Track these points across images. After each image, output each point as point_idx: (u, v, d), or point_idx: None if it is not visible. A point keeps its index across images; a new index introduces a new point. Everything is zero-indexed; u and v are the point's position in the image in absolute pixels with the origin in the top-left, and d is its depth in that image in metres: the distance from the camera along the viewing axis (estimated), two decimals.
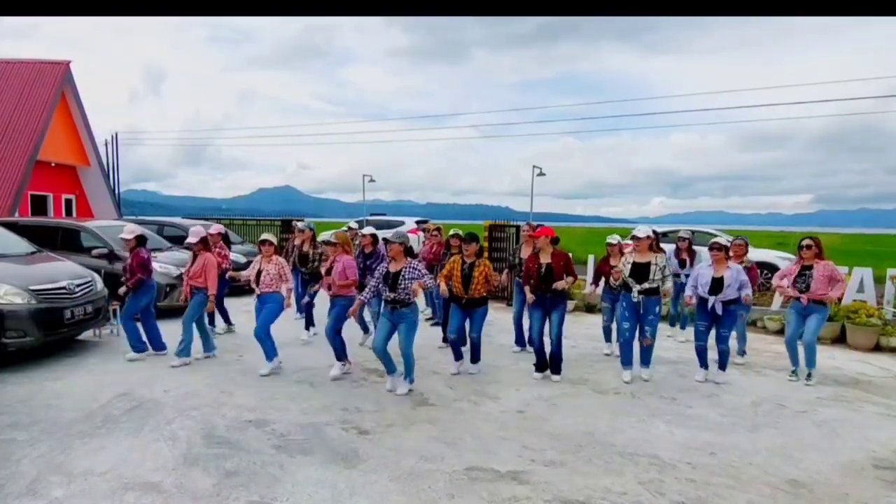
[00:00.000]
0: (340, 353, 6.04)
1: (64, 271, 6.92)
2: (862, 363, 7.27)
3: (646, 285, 5.94)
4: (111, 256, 8.68)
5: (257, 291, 6.23)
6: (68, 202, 19.36)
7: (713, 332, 6.13)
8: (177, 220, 14.25)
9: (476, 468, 4.00)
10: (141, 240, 6.70)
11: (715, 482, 3.88)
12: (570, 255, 6.05)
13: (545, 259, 6.02)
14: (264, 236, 6.36)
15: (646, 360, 6.22)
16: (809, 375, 6.21)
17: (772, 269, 12.62)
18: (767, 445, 4.52)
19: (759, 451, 4.41)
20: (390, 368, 5.64)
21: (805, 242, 6.19)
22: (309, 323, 7.86)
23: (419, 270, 5.42)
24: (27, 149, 16.08)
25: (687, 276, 7.56)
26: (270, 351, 6.13)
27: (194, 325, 6.55)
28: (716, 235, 13.79)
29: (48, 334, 6.28)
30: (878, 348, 8.00)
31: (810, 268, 6.10)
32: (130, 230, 6.74)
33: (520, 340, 7.38)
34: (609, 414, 5.15)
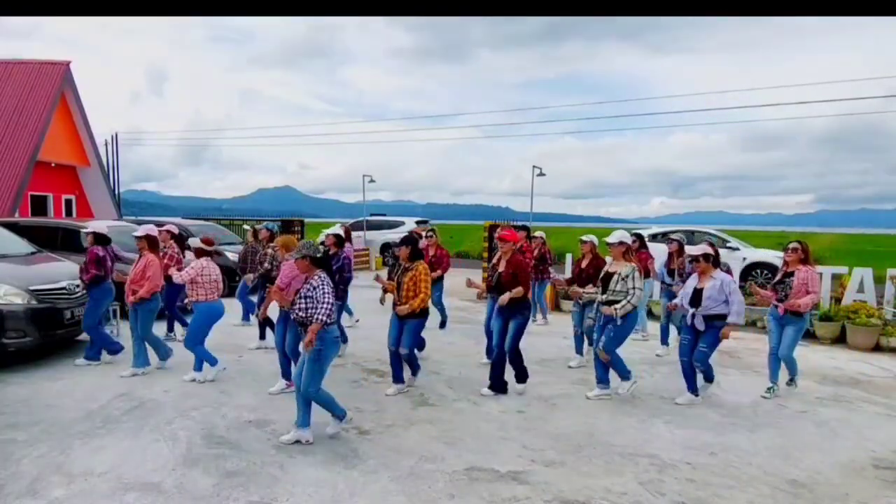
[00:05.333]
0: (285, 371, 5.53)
1: (64, 271, 6.92)
2: (862, 363, 7.27)
3: (604, 297, 5.48)
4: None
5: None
6: (68, 202, 19.35)
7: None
8: (177, 220, 14.24)
9: (476, 468, 4.00)
10: (99, 238, 6.32)
11: (715, 482, 3.88)
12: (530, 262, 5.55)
13: (502, 266, 5.61)
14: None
15: (619, 372, 5.54)
16: (792, 380, 5.82)
17: (771, 269, 12.64)
18: (767, 445, 4.52)
19: (759, 451, 4.41)
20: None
21: (791, 245, 5.74)
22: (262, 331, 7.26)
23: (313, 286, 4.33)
24: (27, 149, 16.06)
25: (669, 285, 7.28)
26: (208, 359, 5.78)
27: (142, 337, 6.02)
28: (715, 236, 13.80)
29: (48, 334, 6.28)
30: (878, 348, 8.00)
31: (793, 274, 5.57)
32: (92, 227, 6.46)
33: (489, 350, 6.44)
34: (609, 414, 5.15)
